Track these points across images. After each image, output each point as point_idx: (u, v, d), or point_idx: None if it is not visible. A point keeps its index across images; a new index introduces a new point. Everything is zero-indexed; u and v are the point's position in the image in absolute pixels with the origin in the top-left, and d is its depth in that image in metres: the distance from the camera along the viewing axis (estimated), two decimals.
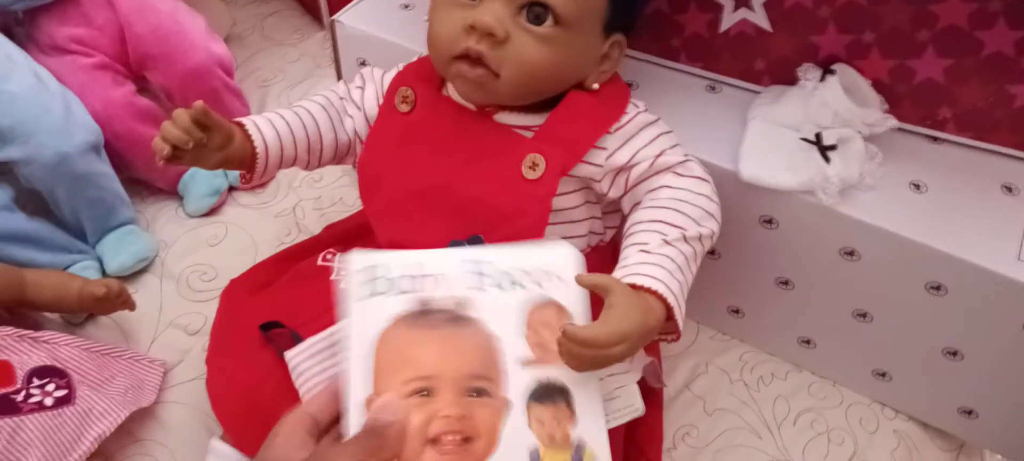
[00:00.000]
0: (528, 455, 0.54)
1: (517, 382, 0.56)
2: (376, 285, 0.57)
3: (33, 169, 0.94)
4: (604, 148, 0.72)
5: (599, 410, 0.58)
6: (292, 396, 0.72)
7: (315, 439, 0.52)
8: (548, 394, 0.57)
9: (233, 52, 1.16)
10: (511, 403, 0.55)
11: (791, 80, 0.80)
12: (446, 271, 0.59)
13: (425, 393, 0.54)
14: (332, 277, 0.82)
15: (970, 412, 0.82)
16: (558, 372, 0.58)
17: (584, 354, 0.59)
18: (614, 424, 0.69)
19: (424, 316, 0.57)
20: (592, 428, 0.57)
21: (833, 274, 0.79)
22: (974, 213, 0.74)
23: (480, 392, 0.55)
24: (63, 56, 1.03)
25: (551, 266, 0.61)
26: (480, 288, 0.59)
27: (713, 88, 0.86)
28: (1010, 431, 0.82)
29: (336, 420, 0.53)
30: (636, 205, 0.72)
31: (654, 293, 0.63)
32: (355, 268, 0.58)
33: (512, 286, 0.60)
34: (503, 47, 0.67)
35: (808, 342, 0.89)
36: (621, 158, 0.72)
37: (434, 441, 0.53)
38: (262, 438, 0.75)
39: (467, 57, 0.68)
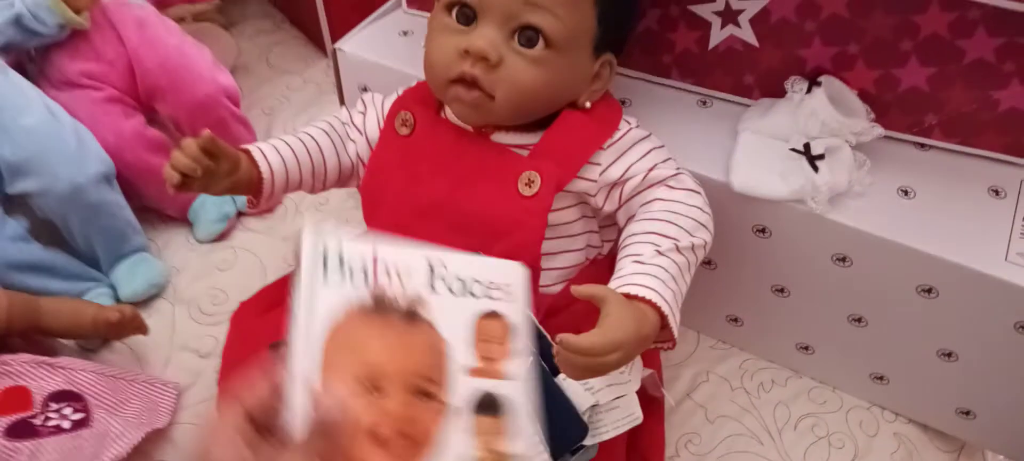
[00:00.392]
0: None
1: (461, 390, 0.56)
2: (330, 271, 0.56)
3: (48, 200, 0.97)
4: (598, 164, 0.74)
5: (536, 429, 0.59)
6: None
7: (252, 441, 0.49)
8: (490, 406, 0.57)
9: (239, 81, 1.19)
10: (453, 409, 0.55)
11: (780, 92, 0.82)
12: (401, 266, 0.58)
13: (372, 390, 0.53)
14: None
15: (968, 413, 0.84)
16: (502, 386, 0.58)
17: (579, 362, 0.61)
18: (614, 433, 0.71)
19: (378, 310, 0.56)
20: (530, 444, 0.58)
21: (827, 280, 0.81)
22: (962, 216, 0.75)
23: (426, 394, 0.55)
24: (75, 90, 1.06)
25: (502, 281, 0.62)
26: (433, 289, 0.59)
27: (705, 103, 0.88)
28: (1008, 430, 0.83)
29: (274, 414, 0.51)
30: (630, 218, 0.74)
31: (648, 302, 0.65)
32: (309, 244, 0.56)
33: (464, 293, 0.60)
34: (497, 70, 0.70)
35: (806, 348, 0.90)
36: (614, 173, 0.74)
37: (379, 439, 0.52)
38: None
39: (463, 81, 0.71)
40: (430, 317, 0.58)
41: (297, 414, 0.50)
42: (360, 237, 0.59)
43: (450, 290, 0.60)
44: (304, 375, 0.51)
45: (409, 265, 0.59)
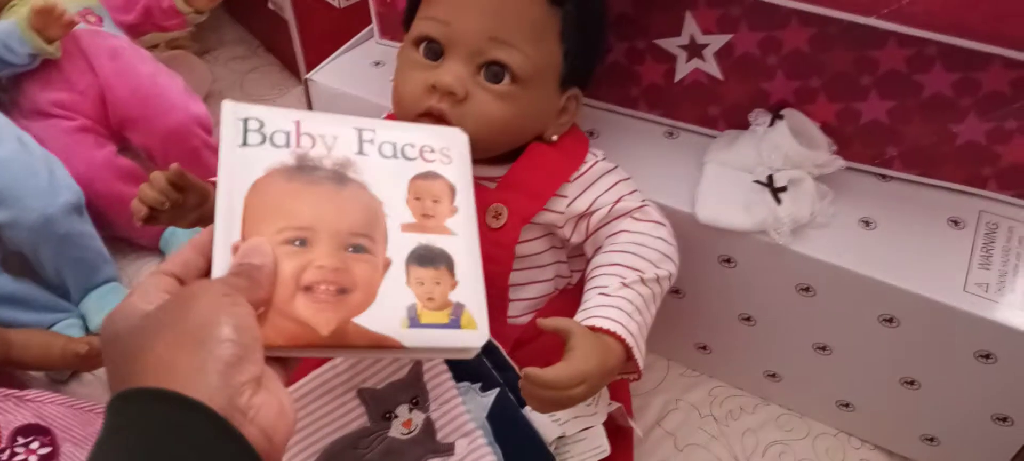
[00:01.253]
0: (405, 311, 0.52)
1: (398, 244, 0.54)
2: (250, 137, 0.53)
3: (17, 231, 0.97)
4: (565, 196, 0.75)
5: (479, 277, 0.57)
6: None
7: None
8: (429, 258, 0.55)
9: (213, 109, 1.19)
10: (391, 262, 0.53)
11: (745, 124, 0.83)
12: (327, 132, 0.56)
13: (300, 243, 0.51)
14: None
15: (932, 439, 0.85)
16: (441, 239, 0.56)
17: (545, 395, 0.62)
18: None
19: (302, 171, 0.53)
20: (472, 292, 0.56)
21: (792, 310, 0.82)
22: (922, 247, 0.77)
23: (359, 248, 0.52)
24: (46, 120, 1.06)
25: (438, 144, 0.60)
26: (363, 153, 0.56)
27: (671, 134, 0.89)
28: (971, 456, 0.84)
29: (197, 272, 0.49)
30: (597, 249, 0.75)
31: (613, 334, 0.66)
32: (226, 118, 0.53)
33: (396, 155, 0.58)
34: (463, 105, 0.71)
35: (774, 376, 0.92)
36: (581, 205, 0.75)
37: (308, 289, 0.49)
38: None
39: (430, 115, 0.72)
40: (361, 178, 0.55)
41: (219, 269, 0.48)
42: (283, 109, 0.56)
43: (381, 153, 0.57)
44: (225, 231, 0.49)
45: (335, 131, 0.56)
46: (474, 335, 0.55)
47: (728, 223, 0.78)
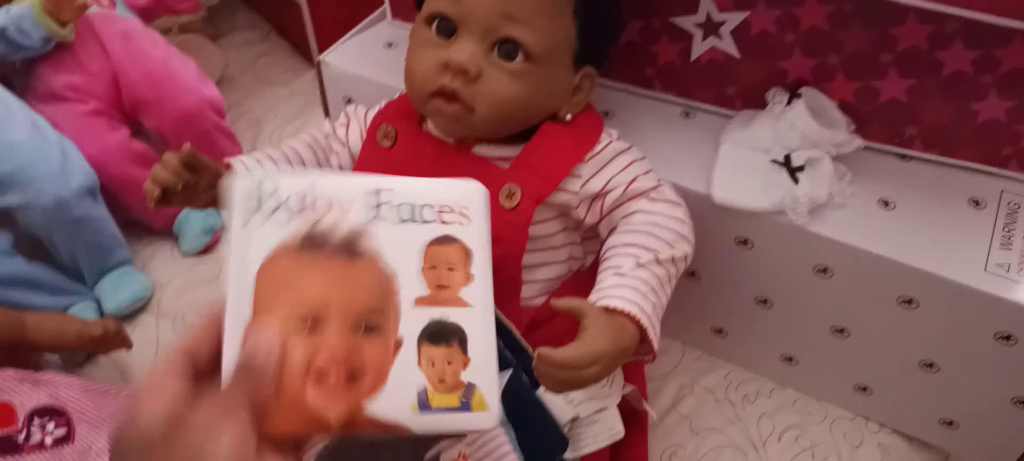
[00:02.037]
0: (416, 394, 0.52)
1: (410, 321, 0.53)
2: (262, 207, 0.52)
3: (32, 214, 0.97)
4: (579, 176, 0.74)
5: (493, 353, 0.55)
6: None
7: (190, 381, 0.46)
8: (442, 335, 0.54)
9: (225, 93, 1.19)
10: (403, 341, 0.52)
11: (762, 104, 0.82)
12: (341, 196, 0.54)
13: (310, 325, 0.50)
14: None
15: (950, 423, 0.84)
16: (455, 313, 0.55)
17: (559, 375, 0.61)
18: (595, 448, 0.71)
19: (313, 244, 0.52)
20: (484, 371, 0.54)
21: (809, 291, 0.81)
22: (942, 228, 0.76)
23: (371, 328, 0.51)
24: (60, 104, 1.06)
25: (456, 202, 0.58)
26: (379, 216, 0.54)
27: (687, 114, 0.88)
28: (991, 440, 0.83)
29: (218, 352, 0.48)
30: (612, 230, 0.74)
31: (627, 315, 0.65)
32: (238, 193, 0.52)
33: (413, 219, 0.56)
34: (476, 83, 0.70)
35: (790, 359, 0.91)
36: (595, 185, 0.74)
37: (318, 377, 0.49)
38: None
39: (443, 94, 0.71)
40: (375, 248, 0.53)
41: (228, 353, 0.47)
42: (298, 172, 0.56)
43: (399, 216, 0.55)
44: (236, 312, 0.48)
45: (351, 194, 0.54)
46: (484, 417, 0.53)
47: (745, 203, 0.77)
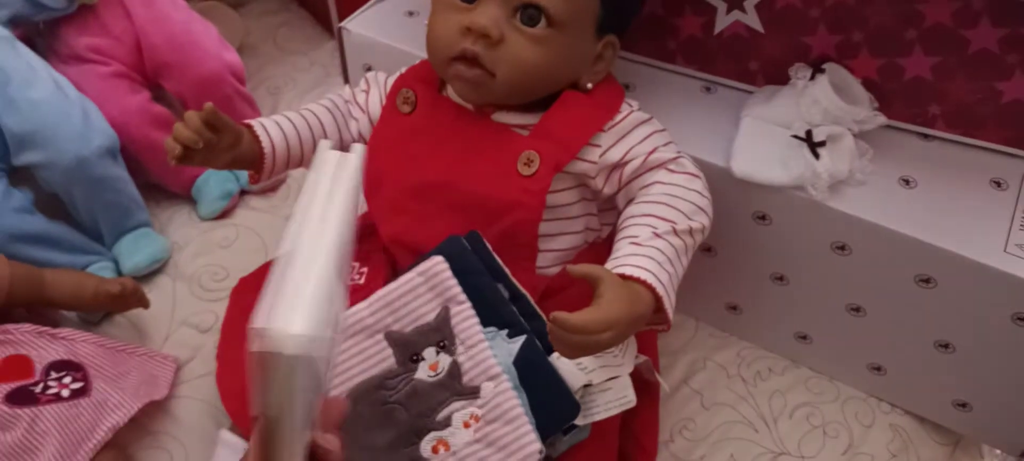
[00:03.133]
0: None
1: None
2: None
3: (52, 173, 0.97)
4: (598, 146, 0.74)
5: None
6: None
7: None
8: None
9: (246, 61, 1.19)
10: None
11: (784, 80, 0.82)
12: None
13: None
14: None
15: (964, 405, 0.83)
16: None
17: (572, 340, 0.61)
18: (606, 415, 0.71)
19: None
20: None
21: (826, 269, 0.81)
22: (963, 207, 0.75)
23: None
24: (82, 65, 1.07)
25: None
26: None
27: (708, 89, 0.88)
28: (1005, 424, 0.83)
29: None
30: (630, 201, 0.74)
31: (643, 283, 0.65)
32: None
33: None
34: (498, 48, 0.70)
35: (804, 337, 0.90)
36: (615, 155, 0.74)
37: None
38: None
39: (464, 58, 0.71)
40: None
41: None
42: None
43: None
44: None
45: None
46: None
47: (764, 178, 0.77)
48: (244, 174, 1.12)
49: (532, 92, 0.74)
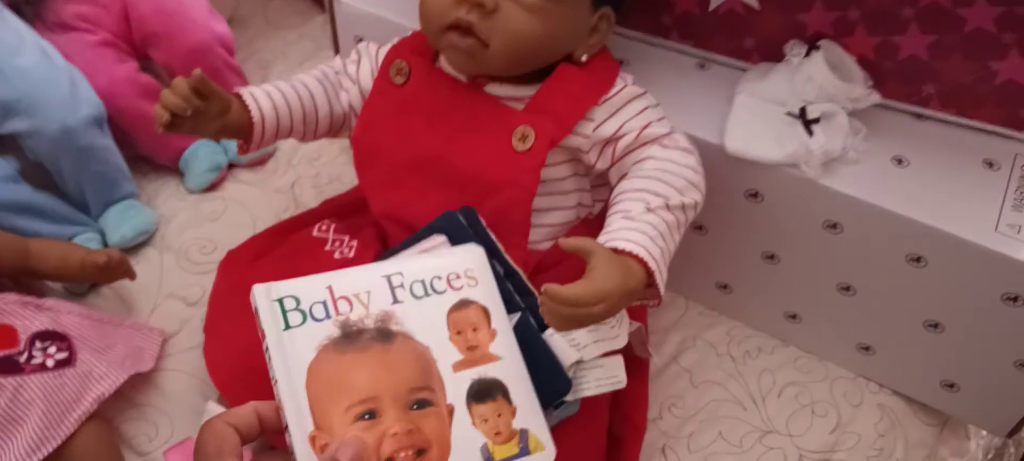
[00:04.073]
0: (479, 453, 0.56)
1: (454, 386, 0.57)
2: (290, 318, 0.56)
3: (38, 142, 0.96)
4: (592, 120, 0.74)
5: (532, 392, 0.61)
6: None
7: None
8: (486, 392, 0.58)
9: (236, 34, 1.18)
10: (454, 407, 0.57)
11: (779, 57, 0.81)
12: (359, 289, 0.58)
13: (369, 416, 0.54)
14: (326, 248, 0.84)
15: (952, 385, 0.84)
16: (491, 368, 0.60)
17: (564, 312, 0.61)
18: (596, 392, 0.71)
19: (349, 339, 0.56)
20: (530, 413, 0.60)
21: (817, 247, 0.81)
22: (955, 187, 0.75)
23: (423, 403, 0.55)
24: (69, 33, 1.05)
25: (462, 268, 0.63)
26: (397, 300, 0.59)
27: (703, 65, 0.87)
28: (991, 404, 0.83)
29: (258, 433, 0.51)
30: (622, 176, 0.74)
31: (635, 257, 0.65)
32: (261, 304, 0.55)
33: (428, 293, 0.60)
34: (492, 17, 0.69)
35: (794, 317, 0.90)
36: (608, 130, 0.74)
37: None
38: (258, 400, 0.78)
39: (458, 27, 0.70)
40: (404, 328, 0.58)
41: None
42: (310, 277, 0.58)
43: (413, 295, 0.60)
44: (298, 425, 0.52)
45: (367, 287, 0.59)
46: (543, 456, 0.59)
47: (757, 154, 0.76)
48: (233, 147, 1.11)
49: (526, 63, 0.73)
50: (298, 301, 0.56)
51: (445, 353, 0.58)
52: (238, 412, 0.50)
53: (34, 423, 0.76)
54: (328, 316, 0.56)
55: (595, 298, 0.61)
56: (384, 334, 0.57)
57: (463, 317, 0.60)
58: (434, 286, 0.61)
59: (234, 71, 1.14)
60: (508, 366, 0.61)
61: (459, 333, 0.60)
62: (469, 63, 0.73)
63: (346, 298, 0.58)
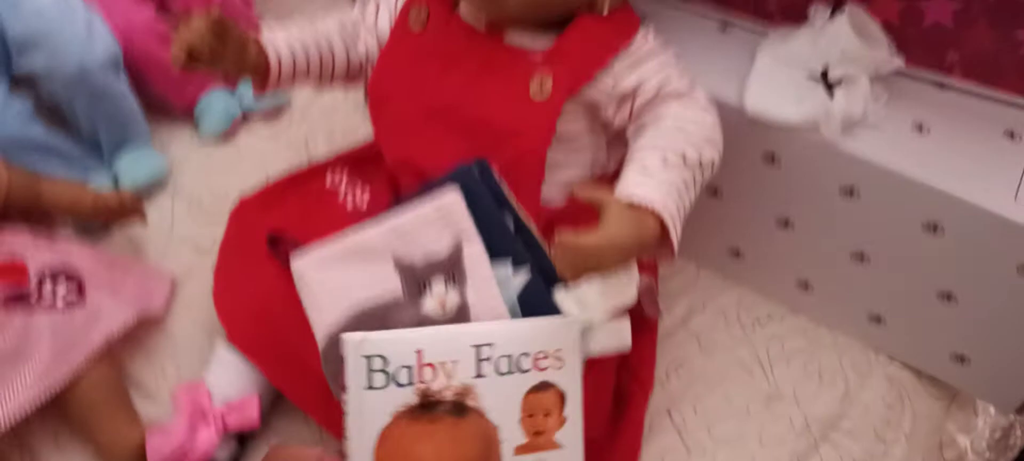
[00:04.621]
0: None
1: None
2: (375, 379, 0.58)
3: (54, 81, 0.96)
4: (611, 73, 0.73)
5: None
6: (296, 305, 0.74)
7: None
8: None
9: None
10: None
11: (802, 20, 0.80)
12: (446, 358, 0.61)
13: None
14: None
15: (962, 358, 0.83)
16: (550, 456, 0.62)
17: (576, 260, 0.61)
18: (601, 352, 0.71)
19: (425, 408, 0.58)
20: None
21: (833, 213, 0.80)
22: (975, 155, 0.74)
23: None
24: None
25: (552, 347, 0.64)
26: (481, 374, 0.61)
27: (724, 28, 0.86)
28: (1001, 378, 0.83)
29: None
30: (641, 129, 0.73)
31: (650, 209, 0.64)
32: (350, 357, 0.58)
33: (512, 370, 0.62)
34: None
35: (806, 285, 0.90)
36: (628, 84, 0.73)
37: None
38: (267, 345, 0.78)
39: None
40: (479, 404, 0.60)
41: None
42: (403, 334, 0.60)
43: (498, 371, 0.62)
44: None
45: (455, 354, 0.61)
46: None
47: (777, 115, 0.76)
48: (248, 97, 1.10)
49: (546, 10, 0.72)
50: (385, 362, 0.59)
51: (512, 434, 0.61)
52: (306, 454, 0.53)
53: (42, 357, 0.76)
54: (411, 383, 0.60)
55: (608, 247, 0.61)
56: (459, 408, 0.60)
57: (538, 401, 0.63)
58: (520, 364, 0.63)
59: (252, 24, 1.14)
60: (566, 457, 0.63)
61: (531, 416, 0.62)
62: (488, 9, 0.72)
63: (432, 366, 0.60)
